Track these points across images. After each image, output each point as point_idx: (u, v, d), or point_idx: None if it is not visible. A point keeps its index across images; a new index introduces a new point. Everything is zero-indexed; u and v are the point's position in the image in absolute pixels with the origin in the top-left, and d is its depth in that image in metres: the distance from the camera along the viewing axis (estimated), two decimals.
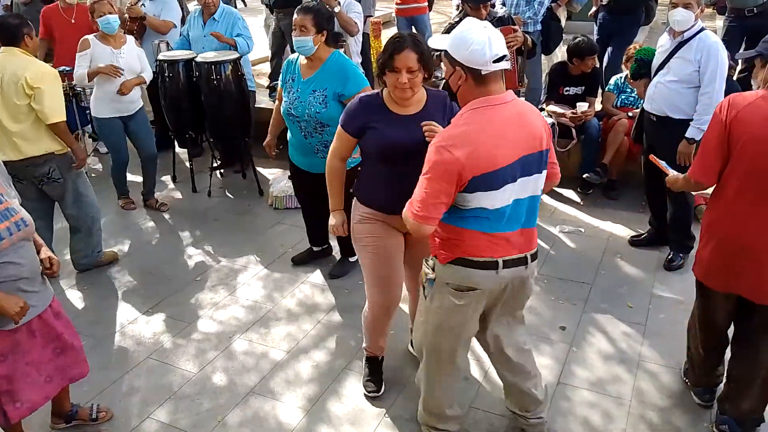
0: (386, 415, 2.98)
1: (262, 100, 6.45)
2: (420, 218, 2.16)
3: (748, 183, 2.44)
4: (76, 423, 2.96)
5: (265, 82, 7.02)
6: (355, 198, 2.87)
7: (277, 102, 3.86)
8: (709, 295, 2.72)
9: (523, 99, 2.60)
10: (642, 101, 4.24)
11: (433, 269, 2.38)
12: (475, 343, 2.79)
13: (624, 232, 4.55)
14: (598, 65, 5.37)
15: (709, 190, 2.65)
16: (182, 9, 6.35)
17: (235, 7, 7.21)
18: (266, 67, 7.24)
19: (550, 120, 4.91)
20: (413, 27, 7.34)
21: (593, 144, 4.96)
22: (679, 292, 3.76)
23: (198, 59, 5.07)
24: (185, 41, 5.56)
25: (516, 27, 4.44)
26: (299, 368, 3.32)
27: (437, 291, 2.38)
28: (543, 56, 6.05)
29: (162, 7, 5.82)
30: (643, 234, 4.42)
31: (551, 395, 3.02)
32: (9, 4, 6.65)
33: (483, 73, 2.12)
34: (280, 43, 6.48)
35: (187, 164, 5.62)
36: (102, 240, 4.36)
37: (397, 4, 7.38)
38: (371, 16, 6.72)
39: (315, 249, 4.30)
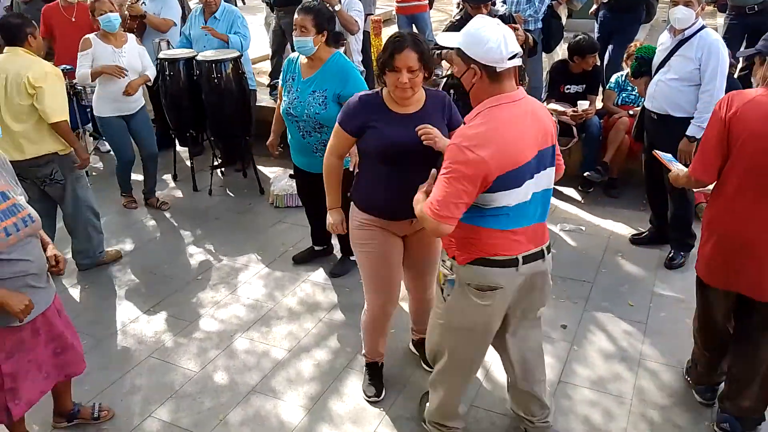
0: (387, 415, 2.98)
1: (263, 99, 6.45)
2: (440, 217, 2.12)
3: (749, 180, 2.44)
4: (78, 422, 2.96)
5: (265, 80, 7.01)
6: (352, 202, 2.85)
7: (278, 101, 3.86)
8: (708, 292, 2.73)
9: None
10: (643, 99, 4.23)
11: (451, 269, 2.34)
12: None
13: (625, 230, 4.55)
14: (598, 63, 5.36)
15: (710, 188, 2.65)
16: (183, 8, 6.35)
17: (236, 5, 7.20)
18: (267, 66, 7.24)
19: None
20: (414, 25, 7.33)
21: (594, 142, 4.96)
22: (679, 291, 3.76)
23: (198, 58, 5.07)
24: (186, 40, 5.56)
25: (517, 25, 4.44)
26: (300, 367, 3.32)
27: (458, 292, 2.34)
28: (544, 54, 6.04)
29: (162, 5, 5.82)
30: (643, 232, 4.42)
31: (552, 394, 3.02)
32: (10, 4, 6.64)
33: (498, 70, 2.12)
34: (281, 41, 6.48)
35: (188, 163, 5.63)
36: (104, 240, 4.36)
37: (397, 2, 7.36)
38: (372, 14, 6.71)
39: (316, 248, 4.30)
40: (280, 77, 3.78)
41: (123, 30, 4.91)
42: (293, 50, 3.78)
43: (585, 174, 4.95)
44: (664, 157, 2.95)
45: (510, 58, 2.11)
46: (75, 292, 4.08)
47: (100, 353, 3.46)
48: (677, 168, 2.80)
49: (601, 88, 5.35)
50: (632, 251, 4.28)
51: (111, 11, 4.56)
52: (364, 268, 2.88)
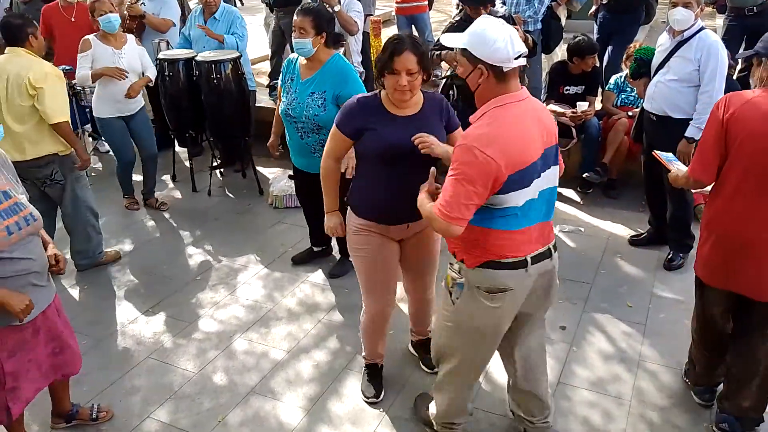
0: (386, 415, 2.98)
1: (262, 99, 6.45)
2: (451, 219, 2.11)
3: (747, 180, 2.45)
4: (77, 423, 2.96)
5: (265, 81, 7.01)
6: (349, 207, 2.83)
7: (278, 101, 3.86)
8: (707, 292, 2.73)
9: None
10: (642, 100, 4.24)
11: (459, 273, 2.33)
12: None
13: (624, 231, 4.55)
14: (598, 64, 5.37)
15: (708, 189, 2.65)
16: (183, 8, 6.35)
17: (235, 5, 7.20)
18: (266, 66, 7.23)
19: None
20: (413, 25, 7.33)
21: (593, 143, 4.96)
22: (678, 292, 3.76)
23: (198, 58, 5.07)
24: (186, 41, 5.56)
25: (516, 26, 4.44)
26: (300, 368, 3.32)
27: (468, 295, 2.33)
28: (543, 55, 6.05)
29: (161, 5, 5.82)
30: (642, 233, 4.42)
31: (551, 395, 3.01)
32: (9, 5, 6.63)
33: (505, 70, 2.12)
34: (280, 41, 6.48)
35: (187, 163, 5.63)
36: (103, 240, 4.36)
37: (397, 2, 7.36)
38: (371, 14, 6.71)
39: (315, 249, 4.30)
40: (280, 78, 3.78)
41: (122, 30, 4.91)
42: (293, 51, 3.78)
43: (584, 175, 4.95)
44: (665, 157, 2.95)
45: (516, 58, 2.12)
46: (74, 293, 4.08)
47: (99, 354, 3.46)
48: (677, 168, 2.80)
49: (600, 89, 5.36)
50: (631, 252, 4.28)
51: (111, 12, 4.56)
52: (361, 273, 2.88)
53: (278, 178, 5.29)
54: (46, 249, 2.58)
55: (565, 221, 4.71)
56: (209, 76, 4.97)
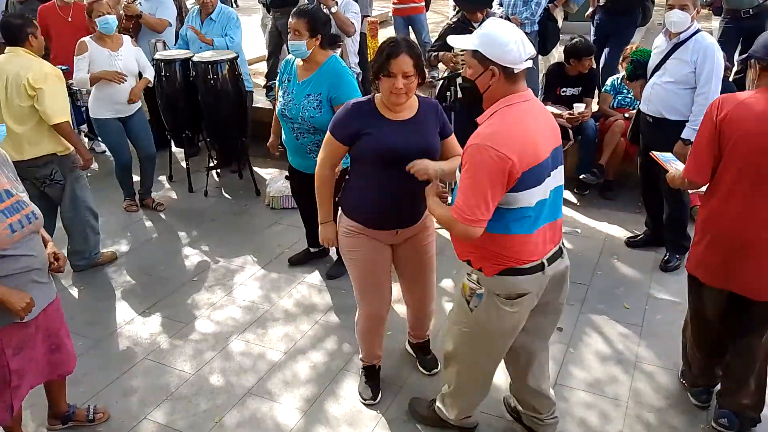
0: (383, 417, 2.98)
1: (259, 100, 6.45)
2: (470, 221, 2.12)
3: (742, 180, 2.46)
4: (73, 424, 2.95)
5: (262, 81, 7.01)
6: (340, 209, 2.82)
7: (277, 101, 3.85)
8: (703, 292, 2.74)
9: None
10: (638, 102, 4.25)
11: (478, 283, 2.33)
12: None
13: (620, 233, 4.56)
14: (594, 66, 5.38)
15: (703, 189, 2.67)
16: (180, 8, 6.34)
17: (232, 6, 7.20)
18: (263, 67, 7.23)
19: None
20: (410, 26, 7.34)
21: (590, 145, 4.97)
22: (675, 293, 3.77)
23: (195, 59, 5.06)
24: (184, 41, 5.56)
25: None
26: (297, 369, 3.32)
27: (487, 303, 2.34)
28: (540, 57, 6.05)
29: (157, 5, 5.81)
30: (639, 235, 4.43)
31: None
32: (5, 8, 6.60)
33: (516, 71, 2.15)
34: (277, 42, 6.48)
35: (184, 164, 5.61)
36: (100, 241, 4.35)
37: (394, 3, 7.37)
38: (368, 15, 6.72)
39: (312, 250, 4.30)
40: (278, 78, 3.78)
41: (119, 30, 4.90)
42: (289, 52, 3.78)
43: (581, 176, 4.96)
44: (662, 157, 2.96)
45: (526, 60, 2.14)
46: (70, 294, 4.06)
47: (95, 355, 3.45)
48: (675, 168, 2.81)
49: (597, 91, 5.37)
50: (628, 254, 4.29)
51: (108, 13, 4.54)
52: (354, 276, 2.87)
53: (275, 179, 5.28)
54: (45, 247, 2.59)
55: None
56: (206, 76, 4.96)
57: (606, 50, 5.91)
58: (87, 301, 3.99)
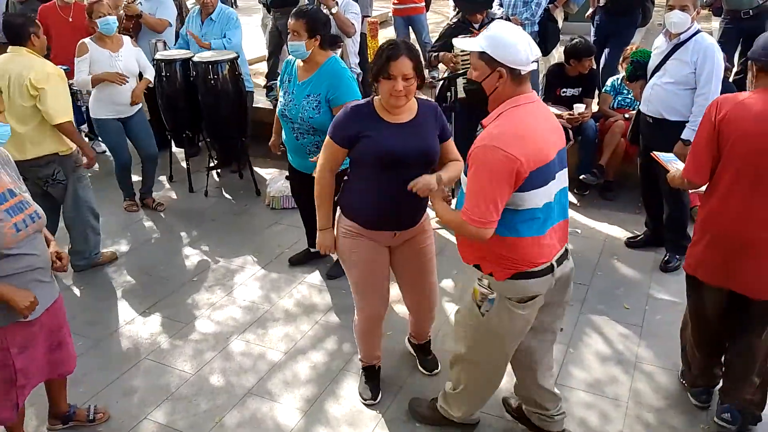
0: (383, 417, 2.98)
1: (260, 100, 6.44)
2: (481, 223, 2.13)
3: (740, 180, 2.47)
4: (74, 424, 2.95)
5: (262, 81, 7.01)
6: (339, 209, 2.81)
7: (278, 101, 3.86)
8: (703, 291, 2.74)
9: None
10: (638, 103, 4.25)
11: (489, 288, 2.34)
12: None
13: (620, 233, 4.56)
14: (595, 66, 5.39)
15: (703, 189, 2.67)
16: (181, 8, 6.34)
17: (232, 6, 7.20)
18: (263, 67, 7.22)
19: None
20: (410, 27, 7.34)
21: (590, 145, 4.97)
22: (675, 294, 3.77)
23: (195, 59, 5.06)
24: (184, 41, 5.56)
25: None
26: (297, 369, 3.32)
27: (498, 307, 2.35)
28: (540, 57, 6.05)
29: (157, 5, 5.82)
30: (639, 235, 4.44)
31: None
32: (5, 8, 6.60)
33: (523, 73, 2.17)
34: (277, 42, 6.48)
35: (184, 164, 5.62)
36: (100, 241, 4.35)
37: (394, 4, 7.37)
38: (368, 16, 6.72)
39: (312, 250, 4.30)
40: (279, 78, 3.78)
41: (119, 31, 4.90)
42: (289, 53, 3.78)
43: (581, 177, 4.96)
44: (663, 157, 2.96)
45: (532, 61, 2.16)
46: (71, 294, 4.06)
47: (95, 355, 3.45)
48: (675, 168, 2.82)
49: (597, 92, 5.37)
50: (628, 254, 4.29)
51: (109, 14, 4.54)
52: (352, 276, 2.87)
53: (275, 179, 5.28)
54: (48, 246, 2.59)
55: None
56: (206, 76, 4.96)
57: (606, 51, 5.91)
58: (87, 301, 4.00)
